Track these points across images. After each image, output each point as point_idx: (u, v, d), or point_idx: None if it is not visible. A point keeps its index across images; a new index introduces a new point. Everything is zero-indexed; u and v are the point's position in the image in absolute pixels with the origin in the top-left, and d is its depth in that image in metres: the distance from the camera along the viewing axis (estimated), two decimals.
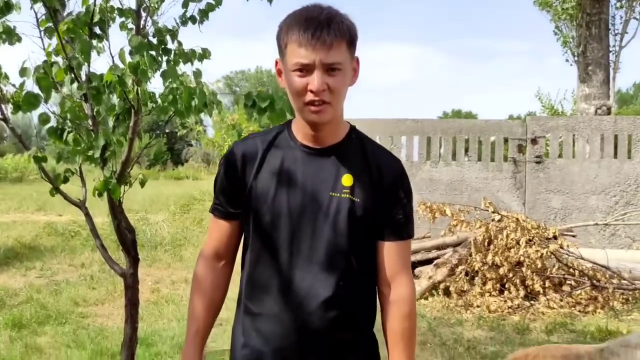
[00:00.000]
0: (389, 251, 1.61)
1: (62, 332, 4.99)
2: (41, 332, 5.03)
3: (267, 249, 1.59)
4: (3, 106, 3.09)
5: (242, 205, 1.61)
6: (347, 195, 1.58)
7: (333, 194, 1.57)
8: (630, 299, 5.99)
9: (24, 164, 26.53)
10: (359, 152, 1.63)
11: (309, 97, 1.49)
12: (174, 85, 2.87)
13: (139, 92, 2.83)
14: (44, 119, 3.09)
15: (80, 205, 3.24)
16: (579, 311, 5.73)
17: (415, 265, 6.98)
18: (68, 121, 3.06)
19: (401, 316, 1.59)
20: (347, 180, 1.59)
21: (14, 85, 3.03)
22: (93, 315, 5.69)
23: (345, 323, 1.57)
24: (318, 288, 1.54)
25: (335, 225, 1.56)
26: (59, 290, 6.50)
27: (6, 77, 3.07)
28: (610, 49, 10.60)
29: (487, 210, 6.41)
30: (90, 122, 3.01)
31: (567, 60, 11.50)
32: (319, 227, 1.56)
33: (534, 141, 7.92)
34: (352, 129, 1.67)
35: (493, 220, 6.33)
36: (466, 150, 8.22)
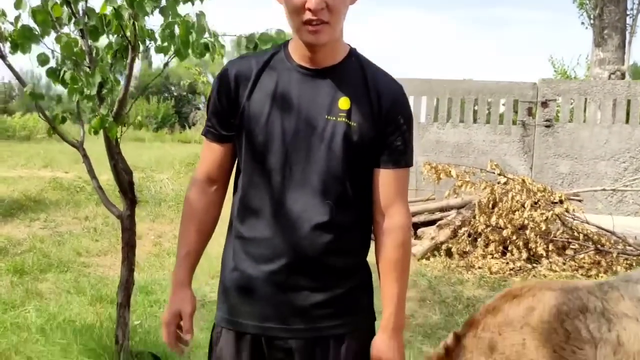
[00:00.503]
0: (386, 179, 1.56)
1: (63, 279, 5.02)
2: (42, 279, 5.06)
3: (259, 172, 1.54)
4: (1, 45, 3.03)
5: (235, 127, 1.56)
6: (344, 119, 1.52)
7: (329, 117, 1.52)
8: (634, 264, 5.94)
9: (33, 123, 26.66)
10: (359, 74, 1.56)
11: (307, 15, 1.43)
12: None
13: (136, 27, 2.74)
14: (42, 59, 3.03)
15: (78, 145, 3.20)
16: (582, 275, 5.69)
17: (418, 226, 6.95)
18: (67, 60, 3.00)
19: (395, 245, 1.55)
20: (344, 103, 1.53)
21: (12, 24, 2.95)
22: (95, 265, 5.72)
23: (338, 249, 1.53)
24: (311, 212, 1.50)
25: (329, 149, 1.51)
26: (62, 241, 6.53)
27: (3, 14, 2.99)
28: (628, 12, 10.31)
29: (494, 173, 6.32)
30: (87, 59, 2.95)
31: (582, 23, 11.20)
32: (313, 151, 1.51)
33: (544, 104, 7.78)
34: (352, 50, 1.60)
35: (499, 183, 6.25)
36: (475, 113, 8.09)
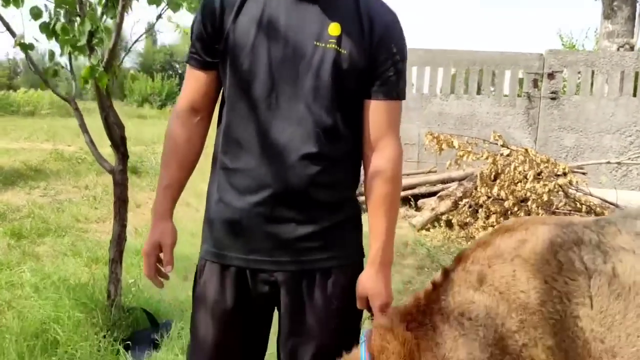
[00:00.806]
0: (376, 111, 1.49)
1: (60, 243, 5.00)
2: (40, 242, 5.05)
3: (243, 100, 1.48)
4: None
5: (219, 53, 1.49)
6: (333, 46, 1.45)
7: (318, 43, 1.45)
8: None
9: (37, 99, 26.61)
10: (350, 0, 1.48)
11: None
12: None
13: None
14: (35, 12, 2.96)
15: (70, 99, 3.14)
16: None
17: (418, 197, 6.89)
18: (59, 9, 2.94)
19: (384, 180, 1.49)
20: (334, 29, 1.46)
21: None
22: (93, 230, 5.70)
23: (326, 182, 1.47)
24: (298, 143, 1.44)
25: (318, 77, 1.44)
26: (61, 208, 6.50)
27: None
28: None
29: (497, 144, 6.23)
30: (78, 8, 2.88)
31: None
32: (300, 79, 1.44)
33: (550, 76, 7.63)
34: None
35: (502, 154, 6.16)
36: (479, 84, 7.96)
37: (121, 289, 3.13)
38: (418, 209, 6.72)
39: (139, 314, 3.20)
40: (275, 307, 1.57)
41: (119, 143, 3.00)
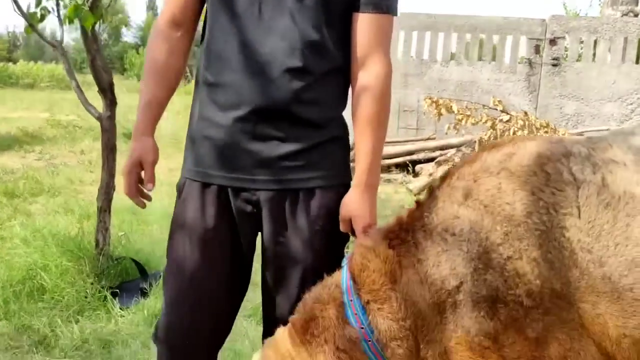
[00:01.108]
0: (365, 24, 1.42)
1: (53, 202, 4.97)
2: (33, 201, 5.02)
3: (226, 11, 1.41)
4: None
5: None
6: None
7: None
8: None
9: (36, 72, 26.46)
10: None
11: None
12: None
13: None
14: None
15: (57, 45, 3.07)
16: None
17: (416, 163, 6.84)
18: None
19: (372, 98, 1.42)
20: None
21: None
22: (87, 192, 5.65)
23: (310, 99, 1.40)
24: (281, 56, 1.37)
25: None
26: (56, 171, 6.47)
27: None
28: None
29: (496, 109, 6.14)
30: None
31: None
32: None
33: (552, 42, 7.50)
34: None
35: (501, 120, 6.07)
36: (480, 50, 7.83)
37: (110, 238, 3.10)
38: (416, 174, 6.67)
39: (128, 264, 3.17)
40: (260, 234, 1.52)
41: (107, 88, 2.94)
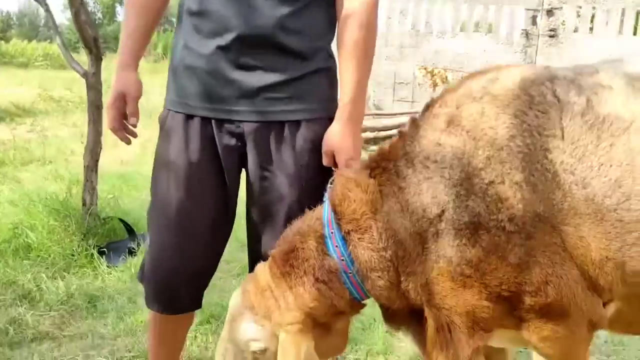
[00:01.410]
0: None
1: (43, 170, 4.93)
2: (23, 170, 4.97)
3: None
4: None
5: None
6: None
7: None
8: None
9: (30, 51, 26.16)
10: None
11: None
12: None
13: None
14: None
15: (41, 1, 3.00)
16: None
17: None
18: None
19: (358, 25, 1.38)
20: None
21: None
22: (79, 162, 5.60)
23: (295, 28, 1.36)
24: None
25: None
26: (47, 143, 6.40)
27: None
28: None
29: None
30: None
31: None
32: None
33: (549, 12, 7.42)
34: None
35: None
36: (476, 21, 7.74)
37: (97, 198, 3.07)
38: None
39: (116, 224, 3.14)
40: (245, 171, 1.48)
41: (92, 44, 2.88)
